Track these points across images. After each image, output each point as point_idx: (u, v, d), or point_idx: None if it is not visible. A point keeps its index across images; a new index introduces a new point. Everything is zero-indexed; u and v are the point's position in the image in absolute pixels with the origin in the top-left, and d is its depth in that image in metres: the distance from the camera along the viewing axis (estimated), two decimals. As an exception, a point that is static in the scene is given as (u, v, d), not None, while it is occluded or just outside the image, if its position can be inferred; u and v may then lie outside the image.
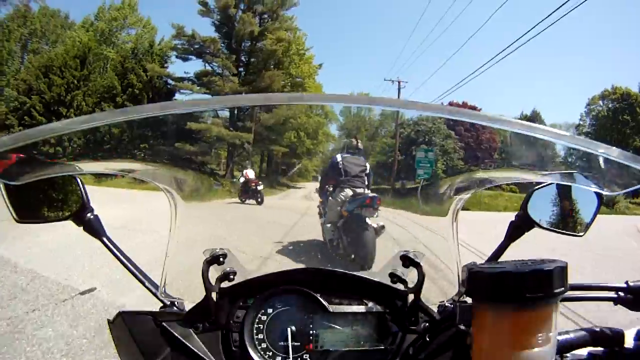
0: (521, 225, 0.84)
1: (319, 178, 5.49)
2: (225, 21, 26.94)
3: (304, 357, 0.71)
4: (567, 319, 3.05)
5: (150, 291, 0.75)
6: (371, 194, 4.23)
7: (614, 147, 0.46)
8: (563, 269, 0.47)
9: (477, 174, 0.82)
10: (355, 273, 0.76)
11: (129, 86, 26.33)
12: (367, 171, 4.63)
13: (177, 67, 30.29)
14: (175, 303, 0.75)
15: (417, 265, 0.72)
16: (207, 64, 25.66)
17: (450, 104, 25.48)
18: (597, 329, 0.66)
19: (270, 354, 0.70)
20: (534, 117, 37.28)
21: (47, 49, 29.93)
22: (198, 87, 25.37)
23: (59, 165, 0.67)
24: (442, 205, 0.83)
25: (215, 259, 0.70)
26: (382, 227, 4.15)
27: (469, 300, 0.54)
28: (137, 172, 0.78)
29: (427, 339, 0.68)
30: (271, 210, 9.21)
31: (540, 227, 0.83)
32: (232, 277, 0.74)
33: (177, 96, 26.34)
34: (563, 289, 0.46)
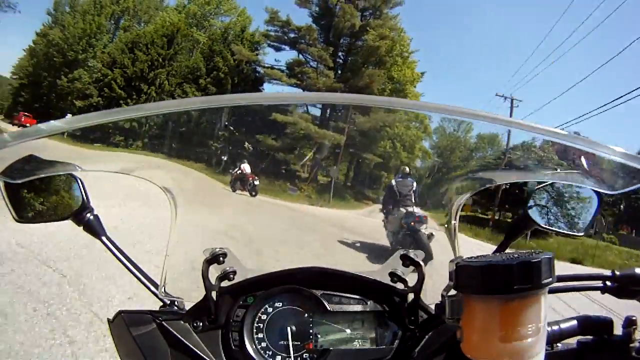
0: (521, 224, 0.87)
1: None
2: (324, 12, 25.35)
3: (304, 356, 0.73)
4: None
5: (150, 290, 0.78)
6: (421, 213, 5.65)
7: (614, 147, 0.48)
8: (550, 260, 0.49)
9: (477, 174, 0.85)
10: (355, 272, 0.79)
11: (214, 69, 25.91)
12: (414, 189, 6.14)
13: (269, 58, 27.85)
14: (175, 302, 0.78)
15: (417, 265, 0.75)
16: (300, 54, 22.39)
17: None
18: (586, 318, 0.70)
19: (270, 353, 0.73)
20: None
21: (138, 27, 31.71)
22: (288, 78, 21.78)
23: (59, 164, 0.71)
24: (443, 205, 0.86)
25: (215, 258, 0.73)
26: (432, 234, 5.46)
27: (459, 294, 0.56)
28: (137, 171, 0.81)
29: (421, 336, 0.72)
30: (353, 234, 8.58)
31: (540, 227, 0.86)
32: (232, 276, 0.76)
33: (266, 86, 23.40)
34: (550, 279, 0.48)
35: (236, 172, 10.65)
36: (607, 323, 0.70)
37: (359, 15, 24.96)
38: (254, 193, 10.38)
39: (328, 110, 24.07)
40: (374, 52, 24.71)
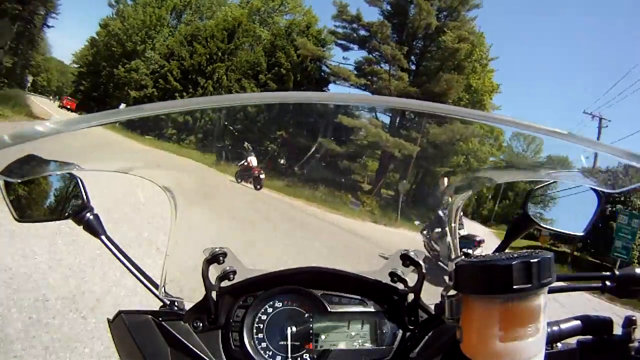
0: (521, 224, 0.89)
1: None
2: (397, 10, 23.42)
3: (304, 356, 0.74)
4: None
5: (150, 290, 0.79)
6: (480, 237, 5.94)
7: (614, 146, 0.48)
8: (549, 260, 0.49)
9: (478, 173, 0.86)
10: (355, 272, 0.81)
11: (275, 65, 24.60)
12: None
13: (335, 58, 25.87)
14: (175, 302, 0.79)
15: (417, 265, 0.77)
16: (371, 53, 19.89)
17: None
18: (586, 318, 0.72)
19: (270, 353, 0.74)
20: None
21: (199, 22, 31.90)
22: (357, 77, 19.30)
23: (59, 164, 0.72)
24: (444, 206, 0.87)
25: (215, 258, 0.74)
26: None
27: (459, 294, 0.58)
28: (137, 170, 0.83)
29: (421, 336, 0.74)
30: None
31: (540, 226, 0.88)
32: (232, 276, 0.78)
33: (331, 87, 21.11)
34: (550, 279, 0.49)
35: (242, 164, 10.59)
36: (607, 323, 0.71)
37: (434, 14, 23.20)
38: (258, 187, 10.23)
39: (398, 118, 22.60)
40: (452, 55, 22.95)
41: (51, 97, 48.45)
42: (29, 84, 34.49)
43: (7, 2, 19.43)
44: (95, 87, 32.72)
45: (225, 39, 25.90)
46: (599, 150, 0.49)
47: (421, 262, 0.76)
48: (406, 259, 0.78)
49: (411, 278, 0.78)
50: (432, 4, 22.85)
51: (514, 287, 0.47)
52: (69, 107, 33.27)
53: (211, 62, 25.28)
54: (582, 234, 0.90)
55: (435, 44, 23.69)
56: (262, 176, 10.24)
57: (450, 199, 0.85)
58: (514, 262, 0.47)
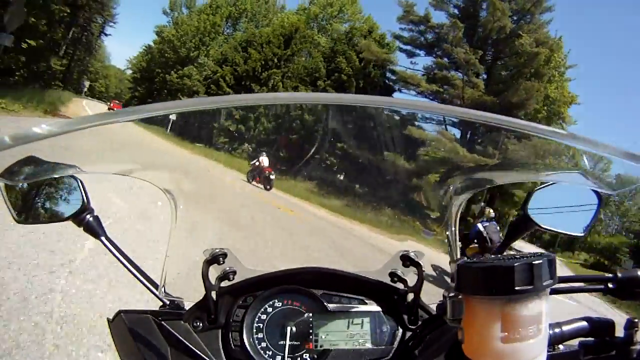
0: (521, 225, 0.90)
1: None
2: (466, 12, 21.27)
3: (304, 356, 0.76)
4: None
5: (150, 290, 0.80)
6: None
7: (615, 146, 0.50)
8: (551, 261, 0.51)
9: (478, 174, 0.88)
10: (355, 272, 0.84)
11: (335, 71, 23.01)
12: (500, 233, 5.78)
13: (400, 64, 24.26)
14: (175, 302, 0.82)
15: (417, 265, 0.79)
16: (442, 56, 17.80)
17: None
18: (588, 320, 0.72)
19: (270, 353, 0.76)
20: None
21: (254, 30, 31.61)
22: (428, 83, 17.39)
23: (59, 166, 0.73)
24: (444, 206, 0.89)
25: (215, 258, 0.77)
26: None
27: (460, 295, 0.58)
28: (137, 172, 0.85)
29: (422, 336, 0.75)
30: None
31: (540, 227, 0.88)
32: (231, 276, 0.80)
33: (395, 94, 19.21)
34: (552, 281, 0.50)
35: (254, 163, 9.45)
36: (609, 325, 0.71)
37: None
38: (268, 187, 9.33)
39: (469, 131, 21.08)
40: (530, 60, 20.66)
41: (107, 102, 53.22)
42: (85, 89, 37.31)
43: (57, 6, 19.46)
44: (149, 93, 33.80)
45: (282, 45, 25.22)
46: (599, 151, 0.49)
47: (421, 262, 0.78)
48: (406, 259, 0.80)
49: (411, 278, 0.80)
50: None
51: (516, 288, 0.48)
52: (115, 109, 36.39)
53: (266, 68, 24.72)
54: (582, 234, 0.91)
55: (509, 48, 21.63)
56: (272, 177, 9.37)
57: (450, 200, 0.86)
58: (516, 264, 0.48)
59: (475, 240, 5.96)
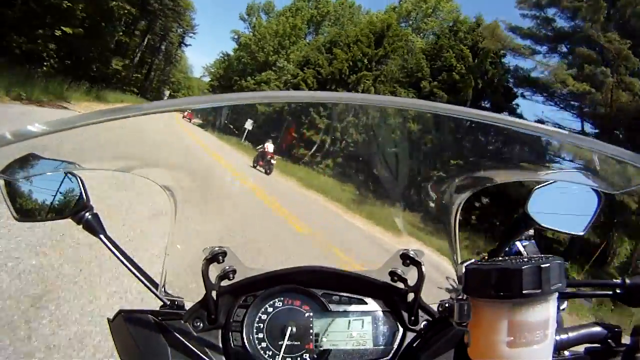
0: (521, 224, 0.89)
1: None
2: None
3: (304, 356, 0.78)
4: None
5: (150, 290, 0.82)
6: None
7: (615, 146, 0.49)
8: (560, 265, 0.51)
9: (478, 173, 0.86)
10: (355, 272, 0.86)
11: (442, 69, 19.03)
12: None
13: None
14: (175, 302, 0.83)
15: (417, 264, 0.80)
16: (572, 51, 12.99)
17: None
18: (595, 326, 0.72)
19: (270, 353, 0.78)
20: None
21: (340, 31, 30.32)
22: (577, 81, 14.35)
23: (59, 163, 0.76)
24: (444, 205, 0.89)
25: (215, 257, 0.78)
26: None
27: (467, 297, 0.60)
28: (136, 169, 0.85)
29: (427, 338, 0.78)
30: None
31: (540, 226, 0.87)
32: (232, 275, 0.82)
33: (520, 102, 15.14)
34: (560, 285, 0.50)
35: (259, 149, 10.95)
36: (616, 331, 0.71)
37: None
38: (268, 171, 10.43)
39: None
40: None
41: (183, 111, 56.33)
42: (165, 97, 38.44)
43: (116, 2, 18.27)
44: (226, 101, 32.95)
45: (372, 44, 22.47)
46: (599, 151, 0.50)
47: (421, 262, 0.80)
48: (406, 258, 0.81)
49: (411, 277, 0.81)
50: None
51: (524, 291, 0.48)
52: (189, 118, 37.78)
53: (354, 70, 22.28)
54: (582, 233, 0.90)
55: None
56: (274, 162, 10.68)
57: (451, 199, 0.86)
58: (525, 267, 0.48)
59: None
